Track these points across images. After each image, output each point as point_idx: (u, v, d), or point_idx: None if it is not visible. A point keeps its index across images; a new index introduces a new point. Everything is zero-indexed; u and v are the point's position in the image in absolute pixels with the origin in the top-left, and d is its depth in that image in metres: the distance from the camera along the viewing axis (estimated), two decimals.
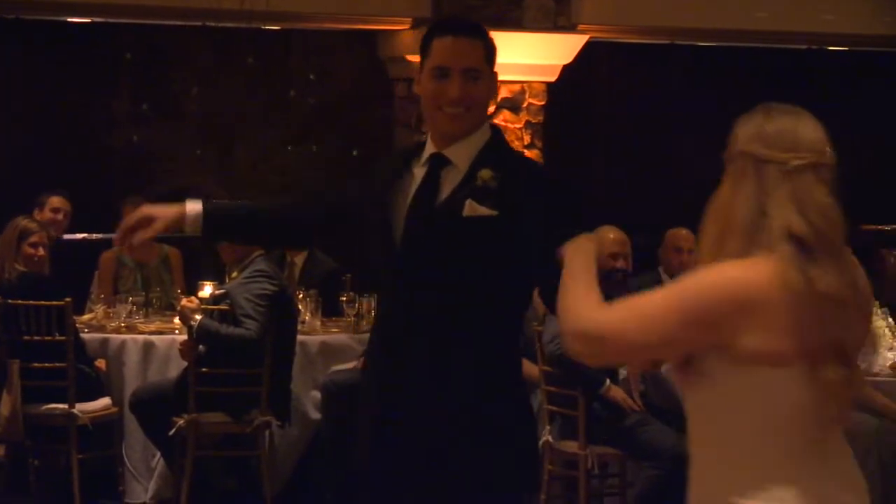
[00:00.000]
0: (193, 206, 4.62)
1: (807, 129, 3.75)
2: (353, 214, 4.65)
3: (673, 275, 9.38)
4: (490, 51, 4.54)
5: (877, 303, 9.00)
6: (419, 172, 4.53)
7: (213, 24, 12.53)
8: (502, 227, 4.34)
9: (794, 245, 3.51)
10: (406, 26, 13.01)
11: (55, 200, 10.92)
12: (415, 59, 13.16)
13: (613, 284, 8.46)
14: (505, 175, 4.40)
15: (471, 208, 4.35)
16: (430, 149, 4.53)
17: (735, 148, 3.70)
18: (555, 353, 8.23)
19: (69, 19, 12.66)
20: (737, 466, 3.49)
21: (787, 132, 3.70)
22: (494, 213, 4.34)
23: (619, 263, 8.61)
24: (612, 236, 8.62)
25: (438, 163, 4.50)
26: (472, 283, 4.36)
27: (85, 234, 12.38)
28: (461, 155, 4.48)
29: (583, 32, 12.87)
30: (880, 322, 8.83)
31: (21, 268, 9.17)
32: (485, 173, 4.39)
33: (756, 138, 3.67)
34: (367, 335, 9.87)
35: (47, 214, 10.68)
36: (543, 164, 4.57)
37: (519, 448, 4.45)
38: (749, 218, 3.57)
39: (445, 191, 4.46)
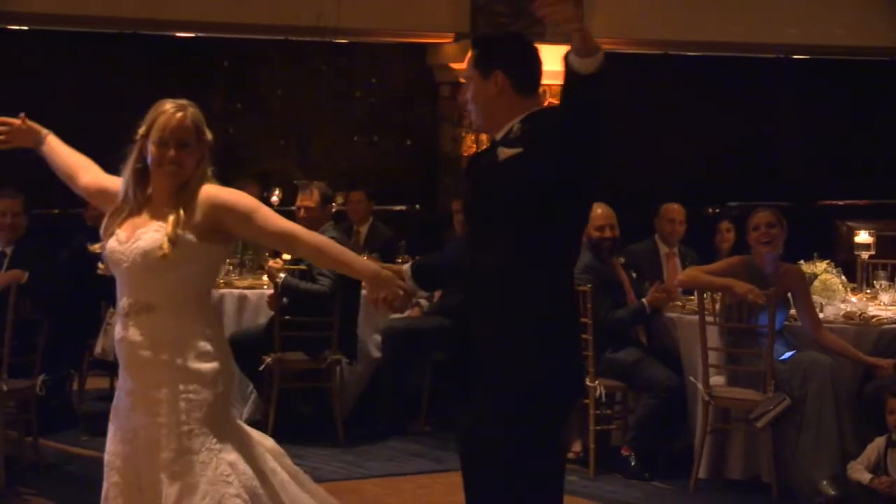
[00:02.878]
0: (407, 268, 4.69)
1: None
2: None
3: (666, 241, 9.35)
4: (478, 56, 4.48)
5: (832, 263, 8.98)
6: None
7: (293, 38, 12.57)
8: (529, 161, 4.27)
9: None
10: (450, 39, 13.02)
11: None
12: (457, 66, 13.21)
13: (603, 252, 8.46)
14: (531, 124, 4.35)
15: (503, 153, 4.32)
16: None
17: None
18: (606, 320, 8.27)
19: (178, 34, 12.69)
20: None
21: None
22: (520, 150, 4.29)
23: (606, 234, 8.53)
24: (599, 211, 8.53)
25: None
26: (516, 214, 4.29)
27: None
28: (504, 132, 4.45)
29: None
30: (834, 279, 8.78)
31: None
32: (515, 126, 4.36)
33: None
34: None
35: None
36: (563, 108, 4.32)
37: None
38: None
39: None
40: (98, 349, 9.59)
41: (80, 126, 11.92)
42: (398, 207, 13.46)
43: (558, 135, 4.21)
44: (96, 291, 9.62)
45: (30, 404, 8.11)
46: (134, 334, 4.52)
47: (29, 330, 8.01)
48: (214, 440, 4.49)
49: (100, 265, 4.67)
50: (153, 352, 4.49)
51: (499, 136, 4.40)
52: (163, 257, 4.44)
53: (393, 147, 13.64)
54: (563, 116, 4.20)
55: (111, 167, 4.91)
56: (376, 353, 9.58)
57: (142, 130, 4.60)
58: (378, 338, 9.55)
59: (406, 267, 4.68)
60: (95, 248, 4.69)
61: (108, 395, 10.38)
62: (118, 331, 4.60)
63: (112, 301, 9.40)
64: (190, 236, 4.49)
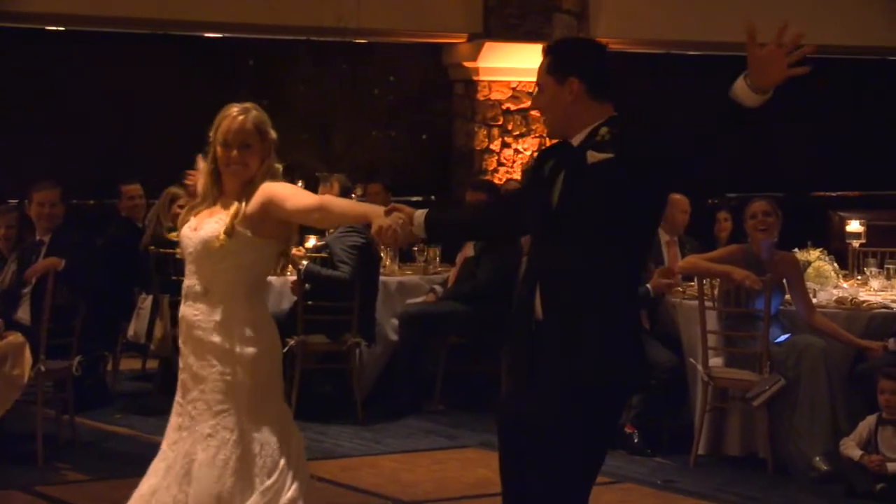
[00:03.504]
0: (420, 213, 4.47)
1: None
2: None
3: (670, 229, 9.34)
4: (552, 62, 4.26)
5: (825, 251, 8.98)
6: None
7: (315, 38, 12.57)
8: (621, 166, 4.10)
9: None
10: (463, 39, 13.03)
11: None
12: (470, 65, 13.20)
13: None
14: (619, 129, 4.18)
15: (592, 157, 4.12)
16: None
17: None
18: None
19: (205, 35, 12.71)
20: None
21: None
22: (611, 155, 4.11)
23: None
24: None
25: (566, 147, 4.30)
26: (604, 216, 4.11)
27: None
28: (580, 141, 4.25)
29: None
30: (827, 266, 8.78)
31: (169, 224, 9.24)
32: (602, 130, 4.18)
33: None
34: (434, 276, 9.99)
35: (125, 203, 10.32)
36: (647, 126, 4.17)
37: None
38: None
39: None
40: (130, 332, 9.62)
41: (109, 125, 12.01)
42: (414, 198, 13.43)
43: (663, 147, 4.13)
44: (129, 278, 9.68)
45: (66, 384, 8.15)
46: (191, 314, 4.71)
47: (66, 314, 8.06)
48: (250, 421, 4.63)
49: (177, 251, 4.90)
50: (205, 332, 4.67)
51: (576, 140, 4.21)
52: (219, 247, 4.62)
53: (409, 141, 13.63)
54: (689, 136, 4.14)
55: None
56: (393, 337, 9.60)
57: (211, 133, 4.77)
58: (395, 322, 9.56)
59: (419, 212, 4.47)
60: (173, 235, 4.91)
61: (139, 376, 10.45)
62: (181, 310, 4.80)
63: (144, 287, 9.52)
64: (246, 231, 4.65)
